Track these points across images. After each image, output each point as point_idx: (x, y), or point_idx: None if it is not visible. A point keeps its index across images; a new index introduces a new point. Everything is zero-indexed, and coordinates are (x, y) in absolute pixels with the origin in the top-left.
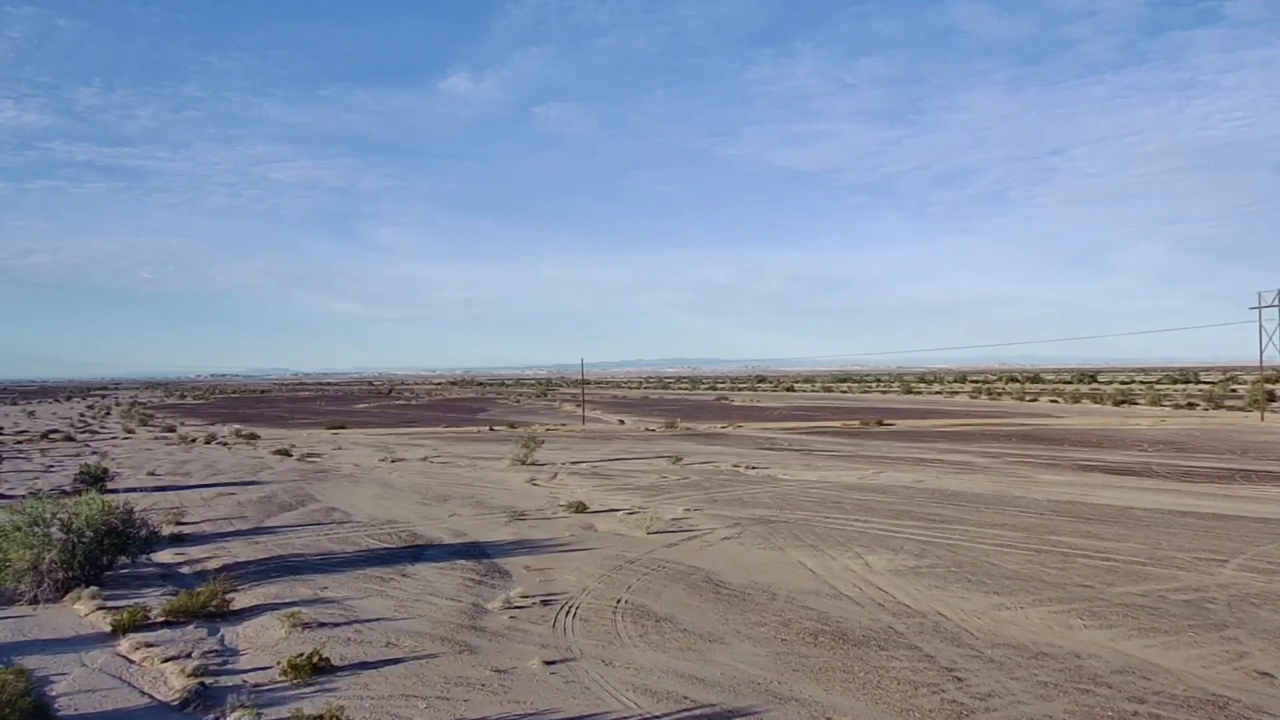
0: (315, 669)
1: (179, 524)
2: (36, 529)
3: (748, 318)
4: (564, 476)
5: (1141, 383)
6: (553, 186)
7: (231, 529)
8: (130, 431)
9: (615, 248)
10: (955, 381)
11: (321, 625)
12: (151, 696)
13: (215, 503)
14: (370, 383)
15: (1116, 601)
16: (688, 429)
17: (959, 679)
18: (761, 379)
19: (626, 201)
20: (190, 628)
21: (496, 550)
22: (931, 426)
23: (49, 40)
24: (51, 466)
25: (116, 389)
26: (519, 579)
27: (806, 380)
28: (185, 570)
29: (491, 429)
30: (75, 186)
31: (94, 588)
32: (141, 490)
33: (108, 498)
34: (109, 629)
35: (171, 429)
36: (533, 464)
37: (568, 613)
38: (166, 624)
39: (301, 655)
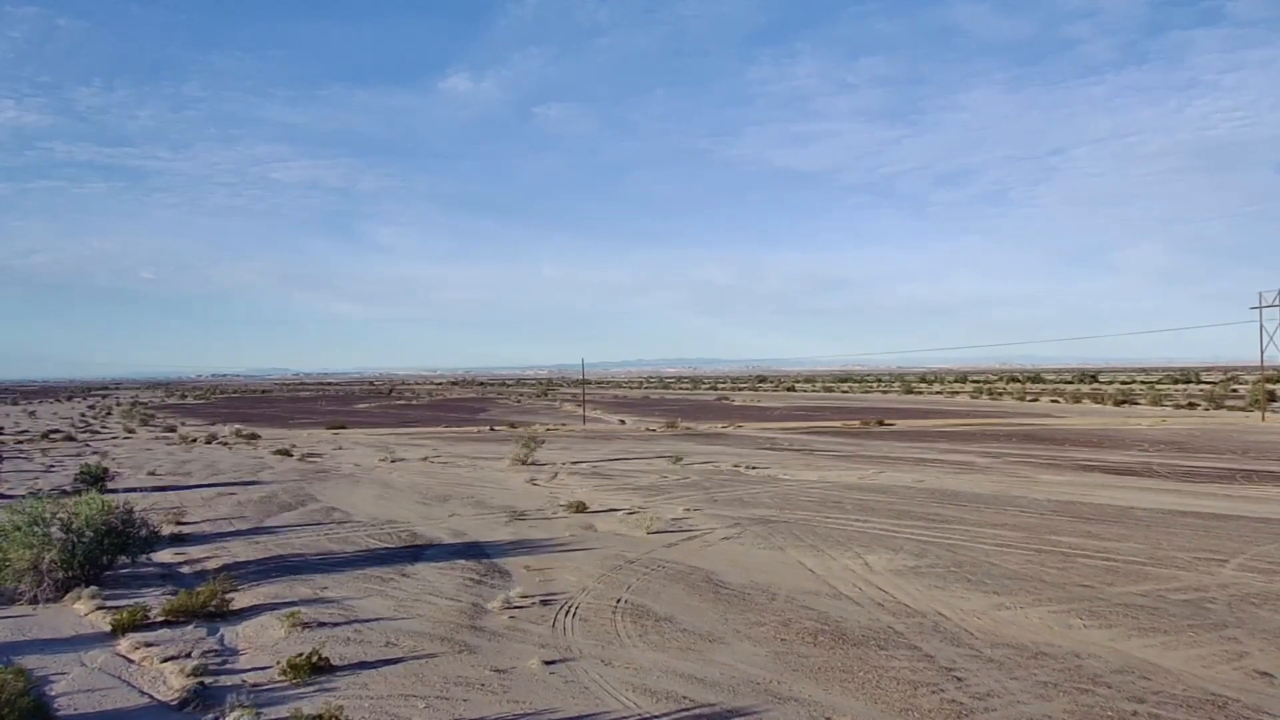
0: (314, 669)
1: (179, 524)
2: (36, 529)
3: (748, 318)
4: (564, 476)
5: (1142, 383)
6: (553, 186)
7: (231, 529)
8: (131, 431)
9: (615, 248)
10: (956, 381)
11: (321, 625)
12: (151, 696)
13: (215, 502)
14: (370, 383)
15: (1116, 601)
16: (688, 429)
17: (958, 679)
18: (762, 379)
19: (627, 201)
20: (190, 627)
21: (496, 550)
22: (932, 426)
23: (49, 40)
24: (52, 466)
25: (117, 389)
26: (519, 579)
27: (807, 380)
28: (185, 570)
29: (492, 429)
30: (75, 186)
31: (94, 587)
32: (142, 490)
33: (108, 497)
34: (109, 629)
35: (172, 429)
36: (533, 464)
37: (567, 613)
38: (166, 624)
39: (301, 655)
